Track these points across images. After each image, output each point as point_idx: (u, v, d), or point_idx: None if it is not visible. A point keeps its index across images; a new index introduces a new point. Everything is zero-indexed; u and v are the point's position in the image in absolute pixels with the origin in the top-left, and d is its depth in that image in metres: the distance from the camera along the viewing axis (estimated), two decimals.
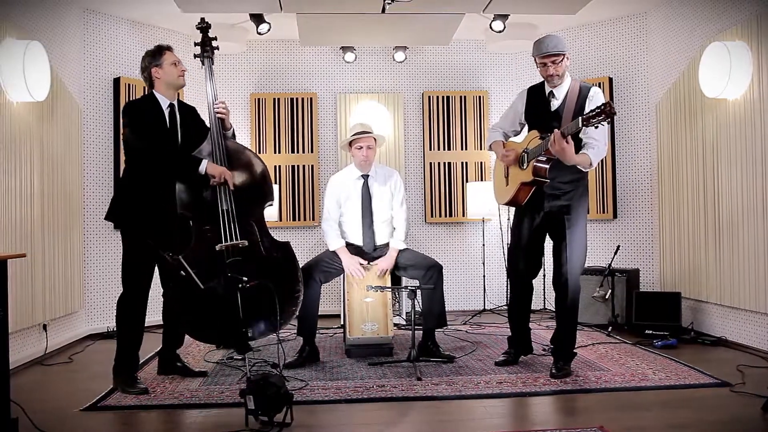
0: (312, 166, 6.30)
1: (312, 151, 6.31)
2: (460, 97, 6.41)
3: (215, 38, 3.92)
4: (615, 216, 5.83)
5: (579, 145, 3.56)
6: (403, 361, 4.05)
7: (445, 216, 6.39)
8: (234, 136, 3.92)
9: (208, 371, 3.96)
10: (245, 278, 3.52)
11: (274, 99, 6.29)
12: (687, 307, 5.03)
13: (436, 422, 3.06)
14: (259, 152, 6.24)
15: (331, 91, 6.42)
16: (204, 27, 3.91)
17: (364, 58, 6.42)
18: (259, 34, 5.46)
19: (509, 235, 4.05)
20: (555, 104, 3.69)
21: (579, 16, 5.72)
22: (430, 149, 6.39)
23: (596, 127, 3.30)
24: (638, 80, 5.75)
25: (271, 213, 5.86)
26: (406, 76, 6.48)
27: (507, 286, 4.21)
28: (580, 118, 3.29)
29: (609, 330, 5.05)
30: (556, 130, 3.38)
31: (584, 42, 6.08)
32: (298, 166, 6.29)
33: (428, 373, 3.85)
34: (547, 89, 3.71)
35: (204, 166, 3.54)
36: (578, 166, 3.53)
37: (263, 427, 2.89)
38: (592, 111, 3.25)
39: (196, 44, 3.90)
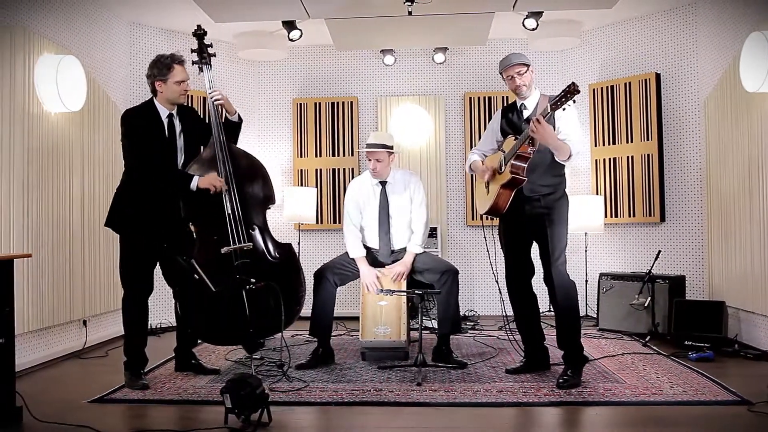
0: (352, 169, 6.35)
1: (352, 155, 6.36)
2: (503, 97, 6.26)
3: (211, 45, 3.97)
4: (663, 219, 5.51)
5: None
6: (412, 365, 4.01)
7: (488, 219, 6.25)
8: (240, 119, 3.95)
9: (221, 369, 4.08)
10: (253, 279, 3.62)
11: (316, 103, 6.39)
12: (734, 317, 4.68)
13: (418, 428, 3.02)
14: (301, 156, 6.37)
15: (372, 94, 6.46)
16: (200, 34, 3.93)
17: (404, 61, 6.41)
18: (291, 40, 5.57)
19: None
20: (527, 113, 3.77)
21: (625, 10, 5.49)
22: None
23: (564, 109, 3.35)
24: (687, 76, 5.42)
25: (310, 216, 5.97)
26: (447, 77, 6.42)
27: (505, 295, 4.11)
28: (548, 103, 3.40)
29: (647, 339, 4.78)
30: (533, 119, 3.46)
31: (629, 37, 5.80)
32: (338, 169, 6.36)
33: (434, 379, 3.80)
34: (519, 103, 3.83)
35: (195, 183, 3.59)
36: (557, 154, 3.56)
37: (242, 425, 2.95)
38: (557, 95, 3.35)
39: (192, 51, 3.94)
